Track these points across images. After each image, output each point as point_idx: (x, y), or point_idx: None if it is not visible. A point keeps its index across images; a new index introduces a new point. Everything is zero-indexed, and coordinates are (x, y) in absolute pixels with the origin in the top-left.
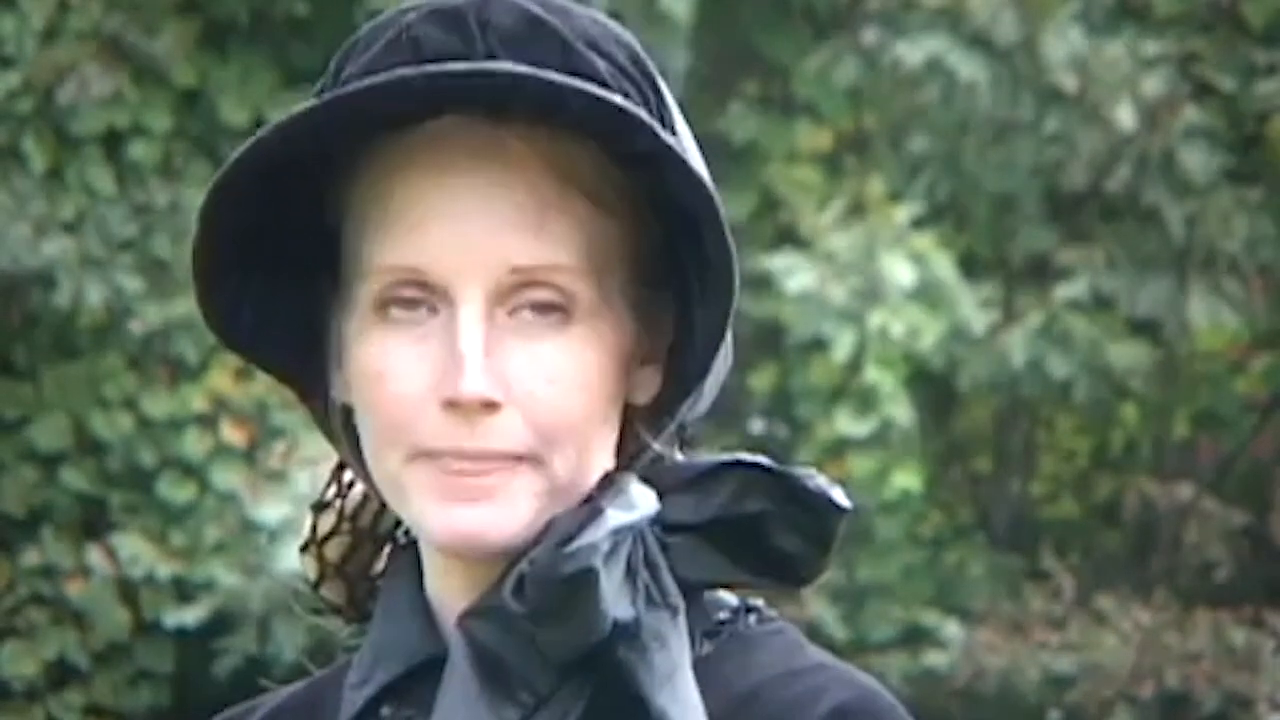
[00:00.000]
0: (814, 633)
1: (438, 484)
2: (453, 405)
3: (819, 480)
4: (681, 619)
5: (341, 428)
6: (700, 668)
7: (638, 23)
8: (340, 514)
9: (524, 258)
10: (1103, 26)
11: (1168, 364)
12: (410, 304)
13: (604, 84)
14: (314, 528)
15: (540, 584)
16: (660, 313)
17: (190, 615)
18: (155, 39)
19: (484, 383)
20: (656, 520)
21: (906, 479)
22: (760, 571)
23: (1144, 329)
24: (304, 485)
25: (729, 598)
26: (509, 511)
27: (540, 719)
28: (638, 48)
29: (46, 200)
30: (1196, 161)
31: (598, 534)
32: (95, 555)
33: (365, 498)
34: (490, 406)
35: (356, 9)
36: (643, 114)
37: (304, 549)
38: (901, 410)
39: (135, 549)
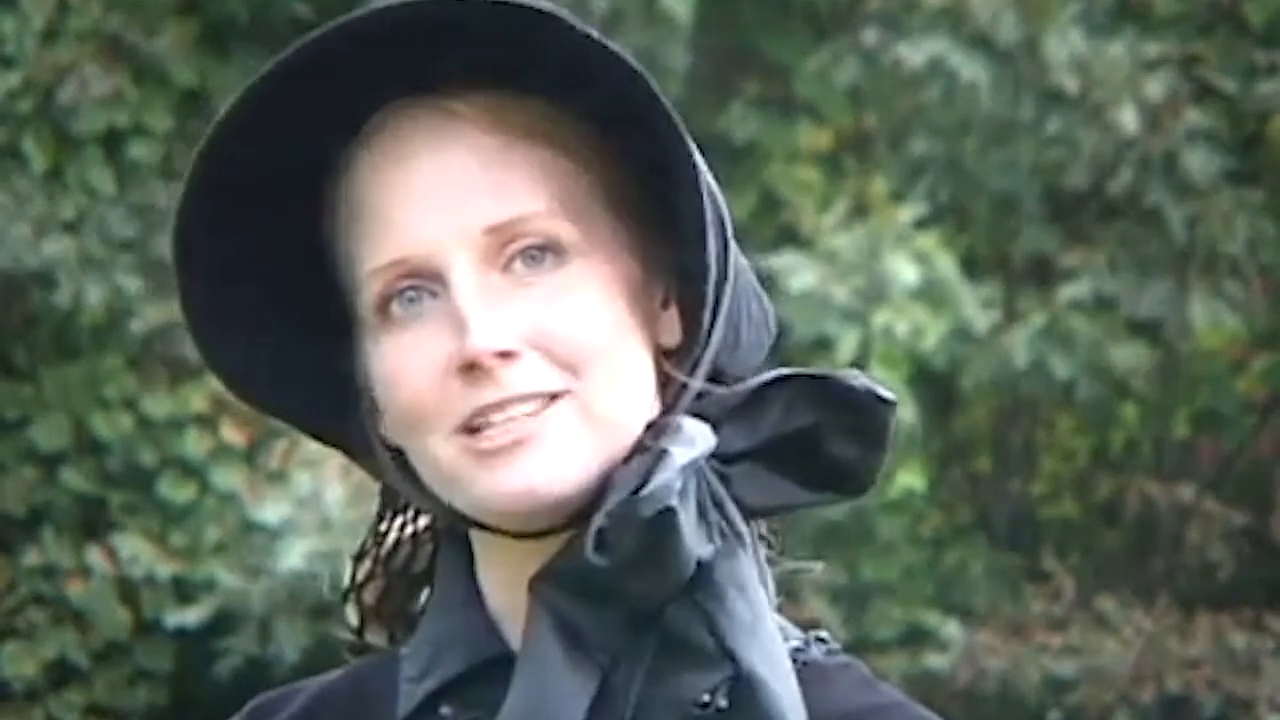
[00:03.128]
0: None
1: (478, 450)
2: (470, 368)
3: (862, 379)
4: (751, 549)
5: (399, 471)
6: None
7: (638, 23)
8: (375, 559)
9: (494, 216)
10: (1104, 28)
11: (1168, 364)
12: (409, 298)
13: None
14: (353, 576)
15: (622, 531)
16: (663, 252)
17: (190, 615)
18: (155, 39)
19: (492, 335)
20: (712, 453)
21: (910, 478)
22: (822, 485)
23: (1144, 330)
24: (304, 485)
25: (795, 629)
26: (555, 456)
27: (616, 678)
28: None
29: (46, 200)
30: (1198, 163)
31: (669, 473)
32: (95, 555)
33: (398, 543)
34: (506, 356)
35: (356, 10)
36: (553, 8)
37: (344, 598)
38: (905, 409)
39: (135, 549)
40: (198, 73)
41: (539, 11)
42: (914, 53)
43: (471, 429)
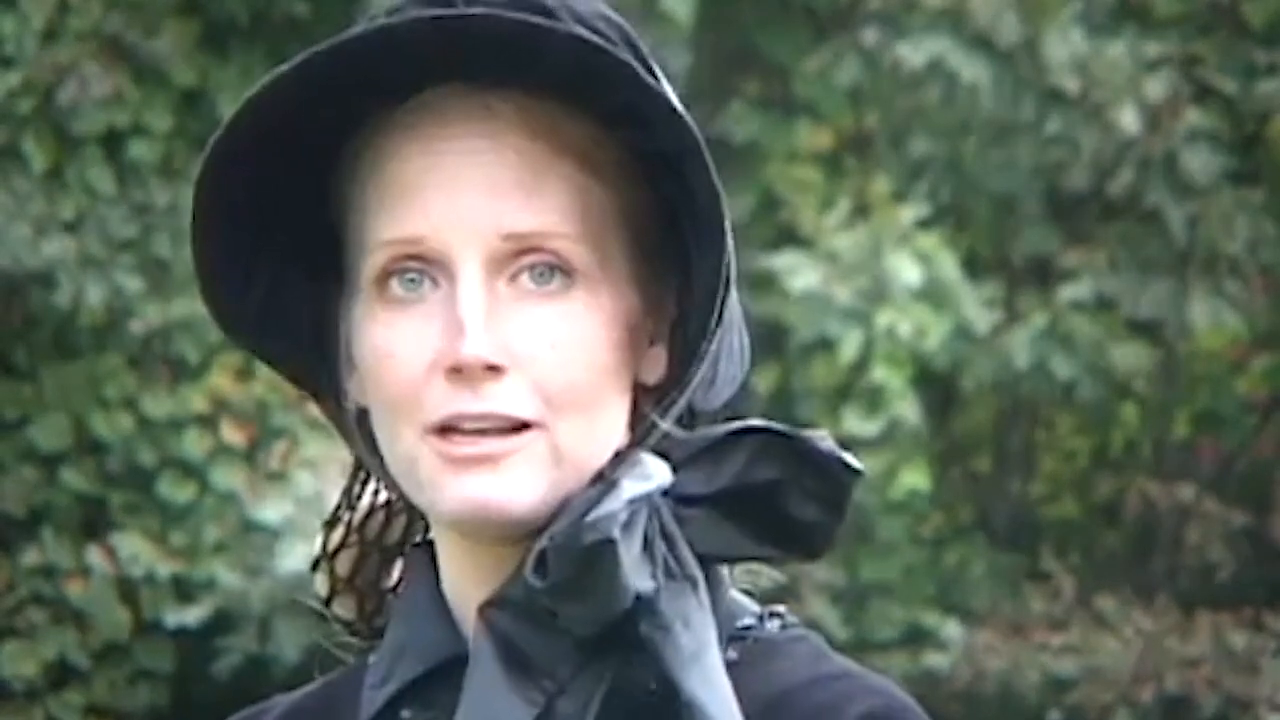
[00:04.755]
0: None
1: (447, 455)
2: (456, 372)
3: (830, 443)
4: (703, 592)
5: (357, 430)
6: (727, 673)
7: (638, 23)
8: (348, 526)
9: (517, 224)
10: (1104, 28)
11: (1168, 364)
12: (411, 280)
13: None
14: (324, 544)
15: (561, 556)
16: (664, 290)
17: (190, 615)
18: (155, 39)
19: (486, 346)
20: (671, 493)
21: (914, 478)
22: (774, 543)
23: (1145, 330)
24: (304, 485)
25: (750, 604)
26: (518, 480)
27: (562, 705)
28: (628, 28)
29: (46, 200)
30: (1198, 163)
31: (615, 504)
32: (95, 555)
33: (372, 508)
34: (494, 371)
35: (356, 9)
36: (624, 55)
37: (315, 566)
38: (909, 409)
39: (135, 549)
40: (198, 73)
41: (612, 56)
42: (914, 53)
43: (442, 430)
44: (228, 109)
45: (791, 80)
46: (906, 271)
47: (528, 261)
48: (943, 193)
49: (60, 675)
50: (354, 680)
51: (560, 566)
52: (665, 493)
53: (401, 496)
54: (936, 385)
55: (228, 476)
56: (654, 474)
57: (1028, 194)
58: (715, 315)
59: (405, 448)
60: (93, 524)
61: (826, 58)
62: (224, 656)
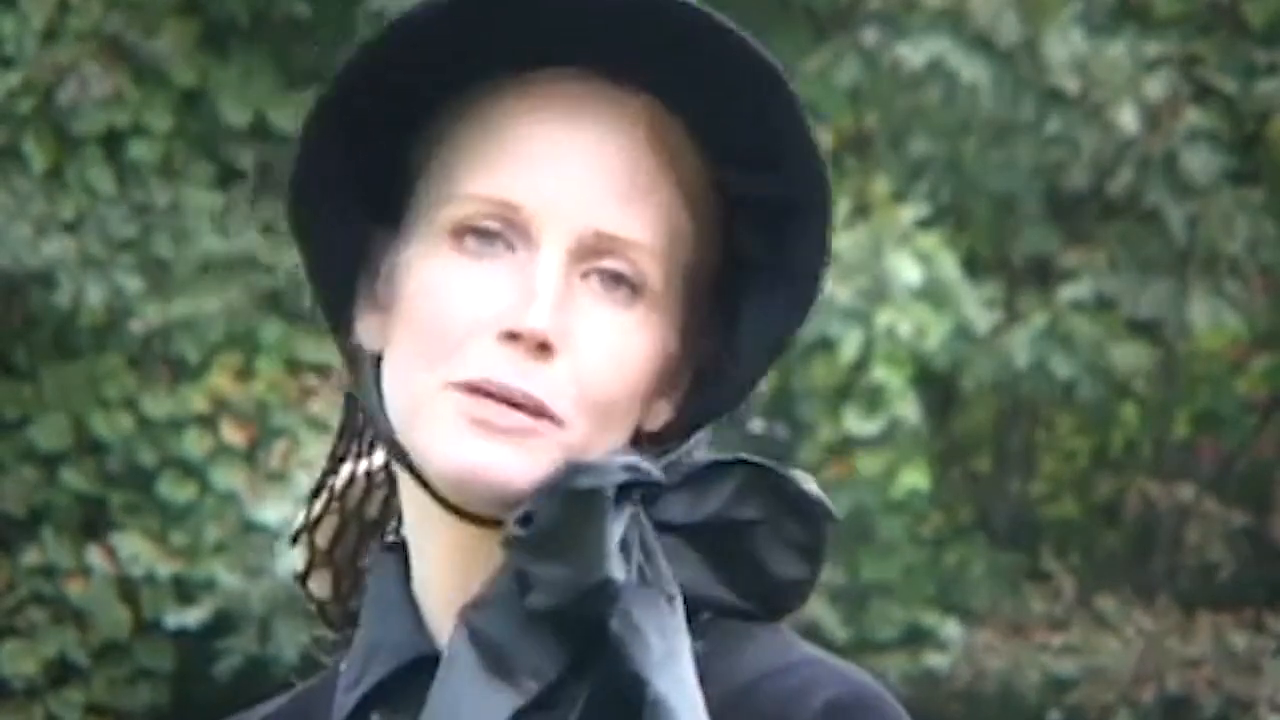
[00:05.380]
0: (814, 633)
1: (463, 414)
2: (512, 338)
3: (815, 486)
4: (679, 609)
5: (369, 372)
6: (696, 664)
7: None
8: (330, 493)
9: (611, 224)
10: (1104, 28)
11: (1168, 364)
12: (489, 236)
13: None
14: (307, 514)
15: (549, 502)
16: (698, 348)
17: (190, 615)
18: (155, 39)
19: (551, 323)
20: (651, 514)
21: (914, 477)
22: (740, 592)
23: (1144, 330)
24: (304, 485)
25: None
26: (524, 460)
27: (539, 716)
28: None
29: (46, 200)
30: (1198, 163)
31: (612, 461)
32: (95, 555)
33: (353, 476)
34: (545, 350)
35: (356, 10)
36: (781, 68)
37: (295, 539)
38: (909, 409)
39: (135, 549)
40: (198, 73)
41: (779, 73)
42: (914, 53)
43: (471, 389)
44: (228, 109)
45: (791, 80)
46: (906, 271)
47: (606, 264)
48: (943, 193)
49: (60, 674)
50: (327, 686)
51: (547, 514)
52: (647, 518)
53: (388, 453)
54: (936, 385)
55: (228, 476)
56: (644, 465)
57: (1028, 194)
58: (762, 378)
59: (420, 393)
60: (93, 524)
61: (826, 58)
62: (224, 657)
